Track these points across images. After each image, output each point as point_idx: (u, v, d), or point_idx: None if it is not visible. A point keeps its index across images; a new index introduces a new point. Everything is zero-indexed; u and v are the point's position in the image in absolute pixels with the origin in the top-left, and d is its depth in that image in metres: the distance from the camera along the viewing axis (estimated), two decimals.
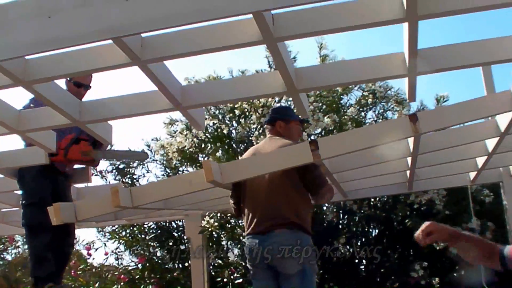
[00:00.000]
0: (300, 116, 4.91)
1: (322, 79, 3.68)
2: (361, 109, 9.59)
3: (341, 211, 9.75)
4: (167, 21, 2.66)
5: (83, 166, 6.09)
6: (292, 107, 6.62)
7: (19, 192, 5.96)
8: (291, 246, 4.50)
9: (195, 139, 9.22)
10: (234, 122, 9.42)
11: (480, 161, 6.15)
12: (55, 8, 2.84)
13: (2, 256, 14.49)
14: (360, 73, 3.66)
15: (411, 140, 4.87)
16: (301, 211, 4.69)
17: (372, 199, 9.58)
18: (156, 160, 10.46)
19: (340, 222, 9.83)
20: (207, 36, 3.08)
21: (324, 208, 9.54)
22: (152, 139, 10.36)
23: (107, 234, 10.77)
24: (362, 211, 9.56)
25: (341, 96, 9.47)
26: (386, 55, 3.55)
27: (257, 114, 8.73)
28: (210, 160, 4.42)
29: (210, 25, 2.97)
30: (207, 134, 9.08)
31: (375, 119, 9.88)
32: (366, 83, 9.09)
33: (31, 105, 5.09)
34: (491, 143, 5.38)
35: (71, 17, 2.80)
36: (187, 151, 9.26)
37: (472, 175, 6.81)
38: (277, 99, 8.68)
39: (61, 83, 4.94)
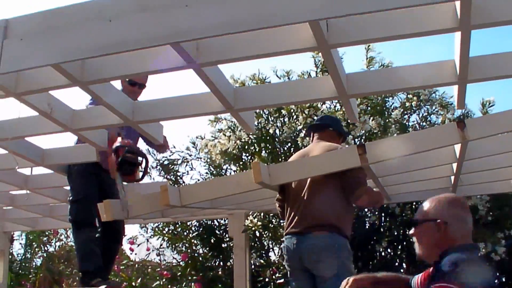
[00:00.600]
0: (349, 120, 4.95)
1: (373, 85, 3.73)
2: (405, 112, 9.55)
3: (383, 214, 9.71)
4: (226, 27, 2.72)
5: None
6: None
7: (68, 188, 6.08)
8: (328, 248, 4.54)
9: (238, 141, 9.24)
10: (279, 122, 9.43)
11: None
12: (116, 12, 2.92)
13: (46, 248, 14.67)
14: (410, 80, 3.70)
15: (457, 146, 4.88)
16: (342, 214, 4.72)
17: (414, 203, 9.53)
18: (200, 158, 10.50)
19: (382, 225, 9.80)
20: (262, 42, 3.14)
21: (366, 210, 9.51)
22: (197, 137, 10.40)
23: (149, 230, 10.86)
24: (404, 214, 9.51)
25: (386, 99, 9.43)
26: (437, 62, 3.59)
27: (303, 114, 8.74)
28: (259, 162, 4.48)
29: (265, 30, 3.02)
30: (250, 136, 9.10)
31: (419, 122, 9.82)
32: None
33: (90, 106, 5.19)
34: None
35: (131, 21, 2.89)
36: (231, 152, 9.28)
37: None
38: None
39: (117, 82, 5.03)
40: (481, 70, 3.51)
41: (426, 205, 3.16)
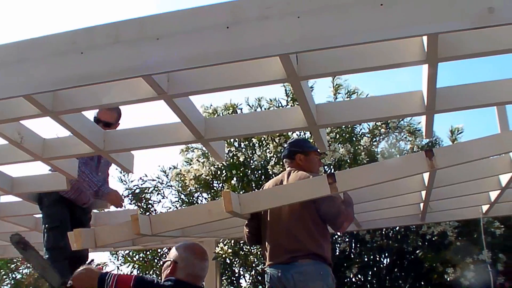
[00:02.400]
0: (318, 149, 4.99)
1: (342, 115, 3.77)
2: (374, 139, 9.64)
3: (353, 240, 9.77)
4: (197, 61, 2.75)
5: None
6: (311, 141, 6.69)
7: (38, 215, 6.04)
8: (314, 276, 4.56)
9: (212, 167, 9.27)
10: (250, 150, 9.47)
11: (493, 194, 6.21)
12: (88, 44, 2.94)
13: (14, 275, 14.52)
14: (379, 110, 3.75)
15: (426, 174, 4.94)
16: (322, 242, 4.74)
17: (385, 229, 9.60)
18: (171, 186, 10.50)
19: (353, 251, 9.85)
20: (233, 73, 3.18)
21: (336, 236, 9.56)
22: (170, 168, 10.43)
23: (120, 257, 10.81)
24: (374, 240, 9.57)
25: (355, 126, 9.53)
26: (405, 93, 3.65)
27: (274, 143, 8.80)
28: (230, 191, 4.49)
29: (236, 62, 3.06)
30: (224, 163, 9.14)
31: (388, 148, 9.92)
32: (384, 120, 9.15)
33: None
34: (504, 178, 5.45)
35: (104, 53, 2.91)
36: (203, 179, 9.31)
37: (485, 208, 6.86)
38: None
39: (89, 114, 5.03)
40: (448, 101, 3.58)
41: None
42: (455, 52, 2.92)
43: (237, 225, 5.66)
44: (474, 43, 2.92)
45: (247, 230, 5.13)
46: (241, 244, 8.89)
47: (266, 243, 4.90)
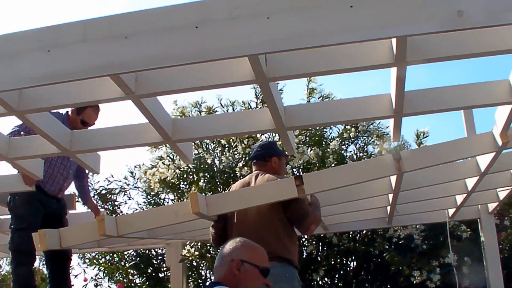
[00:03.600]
0: (286, 152, 4.99)
1: (311, 118, 3.77)
2: (343, 143, 9.68)
3: (320, 243, 9.79)
4: (165, 60, 2.73)
5: (70, 193, 6.17)
6: (279, 143, 6.70)
7: (6, 217, 5.98)
8: (280, 278, 4.54)
9: (177, 170, 9.24)
10: (218, 151, 9.46)
11: (460, 198, 6.26)
12: (55, 42, 2.89)
13: None
14: (348, 113, 3.75)
15: (393, 177, 4.96)
16: (289, 245, 4.73)
17: (352, 232, 9.63)
18: (138, 187, 10.46)
19: (320, 254, 9.86)
20: (201, 74, 3.15)
21: (304, 239, 9.57)
22: (136, 166, 10.37)
23: (86, 260, 10.72)
24: (342, 243, 9.60)
25: (324, 129, 9.55)
26: (374, 96, 3.65)
27: (242, 145, 8.79)
28: (197, 192, 4.47)
29: (205, 62, 3.04)
30: (190, 165, 9.11)
31: (357, 152, 9.97)
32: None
33: (22, 132, 5.14)
34: (471, 182, 5.50)
35: (71, 52, 2.86)
36: (169, 181, 9.27)
37: (451, 211, 6.92)
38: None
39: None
40: (416, 104, 3.59)
41: None
42: (424, 55, 2.93)
43: (204, 227, 5.63)
44: (443, 46, 2.93)
45: (213, 232, 5.10)
46: (208, 247, 8.88)
47: None
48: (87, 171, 6.34)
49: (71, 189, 6.41)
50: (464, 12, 2.40)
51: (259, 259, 3.56)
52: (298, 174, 8.00)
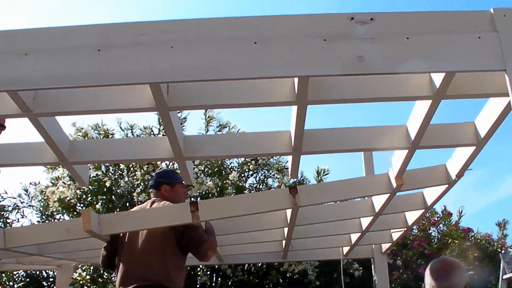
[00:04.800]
0: (184, 182, 4.97)
1: (210, 149, 3.75)
2: (242, 175, 9.72)
3: (214, 274, 9.76)
4: (65, 80, 2.65)
5: None
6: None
7: None
8: None
9: (77, 191, 9.07)
10: (117, 175, 9.34)
11: (354, 237, 6.35)
12: None
13: None
14: (247, 147, 3.75)
15: (289, 211, 4.99)
16: (174, 273, 4.68)
17: (247, 265, 9.64)
18: (33, 206, 10.19)
19: (213, 285, 9.82)
20: (102, 97, 3.09)
21: (198, 269, 9.53)
22: (31, 183, 10.13)
23: None
24: (236, 275, 9.59)
25: (225, 160, 9.58)
26: (274, 132, 3.67)
27: (142, 170, 8.72)
28: (90, 209, 4.39)
29: (106, 86, 2.99)
30: (90, 186, 8.96)
31: (256, 185, 10.01)
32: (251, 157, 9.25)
33: None
34: (365, 221, 5.59)
35: None
36: (67, 201, 9.09)
37: (346, 249, 7.00)
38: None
39: None
40: (315, 143, 3.62)
41: None
42: (325, 96, 2.96)
43: (96, 248, 5.52)
44: (344, 89, 2.98)
45: (104, 253, 5.04)
46: (101, 271, 8.72)
47: (119, 268, 4.81)
48: None
49: None
50: (365, 58, 2.44)
51: None
52: (193, 199, 7.97)
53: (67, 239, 4.77)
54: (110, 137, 9.18)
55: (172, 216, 4.52)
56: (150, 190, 5.13)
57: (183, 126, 8.62)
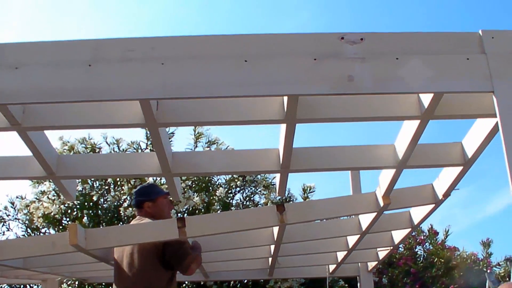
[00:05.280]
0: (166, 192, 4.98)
1: (198, 166, 3.75)
2: (230, 191, 9.71)
3: None
4: (55, 95, 2.65)
5: None
6: (161, 185, 6.65)
7: None
8: None
9: (62, 206, 9.03)
10: (104, 190, 9.31)
11: (341, 255, 6.35)
12: None
13: None
14: (235, 165, 3.75)
15: (276, 228, 4.98)
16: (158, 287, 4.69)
17: (232, 281, 9.60)
18: (18, 219, 10.14)
19: None
20: (91, 112, 3.09)
21: (184, 285, 9.48)
22: (17, 197, 10.07)
23: None
24: None
25: (212, 176, 9.57)
26: (262, 149, 3.67)
27: (129, 184, 8.70)
28: (77, 223, 4.37)
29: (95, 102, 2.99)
30: (75, 201, 8.92)
31: (243, 201, 10.00)
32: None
33: None
34: (352, 239, 5.59)
35: None
36: (52, 216, 9.04)
37: (332, 267, 7.00)
38: None
39: None
40: (303, 161, 3.63)
41: None
42: (314, 114, 2.97)
43: (82, 262, 5.49)
44: (333, 108, 2.99)
45: None
46: (86, 286, 8.67)
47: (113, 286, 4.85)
48: None
49: None
50: (355, 77, 2.46)
51: None
52: (180, 216, 7.95)
53: (53, 253, 4.74)
54: (97, 151, 9.16)
55: (159, 232, 4.51)
56: (134, 208, 5.13)
57: (171, 141, 8.61)
